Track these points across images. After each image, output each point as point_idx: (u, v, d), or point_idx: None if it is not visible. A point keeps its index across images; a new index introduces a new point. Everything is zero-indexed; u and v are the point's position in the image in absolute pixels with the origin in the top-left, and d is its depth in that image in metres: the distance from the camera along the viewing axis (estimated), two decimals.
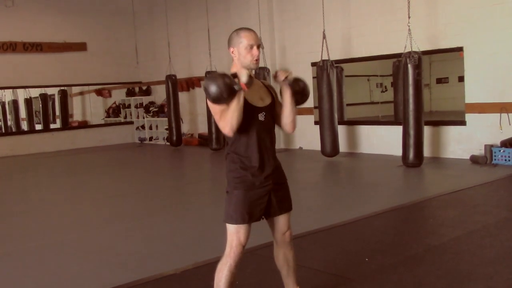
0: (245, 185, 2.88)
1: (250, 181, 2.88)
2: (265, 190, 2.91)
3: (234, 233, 2.86)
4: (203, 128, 13.54)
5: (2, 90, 15.67)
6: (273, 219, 3.02)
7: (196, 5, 13.41)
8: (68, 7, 14.43)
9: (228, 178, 2.94)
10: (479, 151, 8.52)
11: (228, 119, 2.79)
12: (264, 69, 10.87)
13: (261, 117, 2.92)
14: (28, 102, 16.20)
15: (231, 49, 2.94)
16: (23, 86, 14.91)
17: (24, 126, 16.37)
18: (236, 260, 2.85)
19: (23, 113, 16.38)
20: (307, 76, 10.99)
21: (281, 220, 3.02)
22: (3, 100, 16.53)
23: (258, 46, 2.92)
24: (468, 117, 8.86)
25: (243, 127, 2.86)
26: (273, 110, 3.01)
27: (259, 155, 2.90)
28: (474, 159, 8.45)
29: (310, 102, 10.82)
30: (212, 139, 12.11)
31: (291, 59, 11.56)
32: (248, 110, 2.87)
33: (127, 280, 3.93)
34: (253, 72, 2.98)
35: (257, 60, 2.92)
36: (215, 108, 2.84)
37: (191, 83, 14.27)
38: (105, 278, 4.10)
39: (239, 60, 2.92)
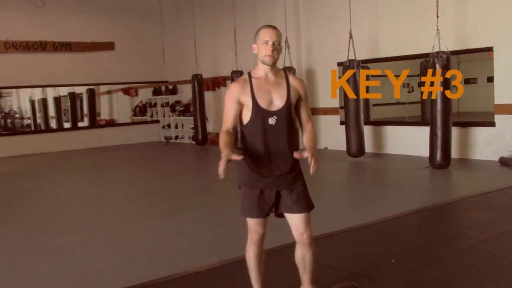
0: (252, 183, 2.99)
1: (257, 180, 2.98)
2: (272, 190, 2.98)
3: (249, 223, 3.04)
4: None
5: (32, 89, 16.00)
6: (289, 217, 3.05)
7: (222, 5, 13.46)
8: (97, 7, 14.66)
9: (239, 172, 3.06)
10: (509, 153, 8.37)
11: (224, 122, 3.09)
12: (290, 68, 10.85)
13: (271, 121, 2.94)
14: (57, 100, 16.50)
15: (253, 46, 3.00)
16: (53, 84, 15.18)
17: (53, 124, 16.68)
18: (257, 243, 3.05)
19: (52, 111, 16.70)
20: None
21: (296, 220, 3.02)
22: (33, 99, 16.88)
23: (274, 43, 2.89)
24: (498, 118, 8.70)
25: (251, 129, 2.96)
26: (289, 113, 2.97)
27: (266, 158, 2.97)
28: (503, 161, 8.30)
29: (336, 102, 10.79)
30: (237, 138, 12.09)
31: (317, 58, 11.52)
32: (257, 113, 2.92)
33: (154, 276, 3.97)
34: (269, 68, 2.96)
35: (270, 56, 2.90)
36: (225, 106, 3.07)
37: (216, 83, 14.34)
38: (132, 274, 4.15)
39: (258, 55, 2.97)
